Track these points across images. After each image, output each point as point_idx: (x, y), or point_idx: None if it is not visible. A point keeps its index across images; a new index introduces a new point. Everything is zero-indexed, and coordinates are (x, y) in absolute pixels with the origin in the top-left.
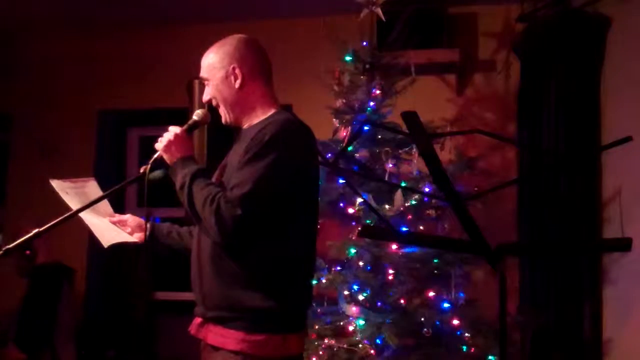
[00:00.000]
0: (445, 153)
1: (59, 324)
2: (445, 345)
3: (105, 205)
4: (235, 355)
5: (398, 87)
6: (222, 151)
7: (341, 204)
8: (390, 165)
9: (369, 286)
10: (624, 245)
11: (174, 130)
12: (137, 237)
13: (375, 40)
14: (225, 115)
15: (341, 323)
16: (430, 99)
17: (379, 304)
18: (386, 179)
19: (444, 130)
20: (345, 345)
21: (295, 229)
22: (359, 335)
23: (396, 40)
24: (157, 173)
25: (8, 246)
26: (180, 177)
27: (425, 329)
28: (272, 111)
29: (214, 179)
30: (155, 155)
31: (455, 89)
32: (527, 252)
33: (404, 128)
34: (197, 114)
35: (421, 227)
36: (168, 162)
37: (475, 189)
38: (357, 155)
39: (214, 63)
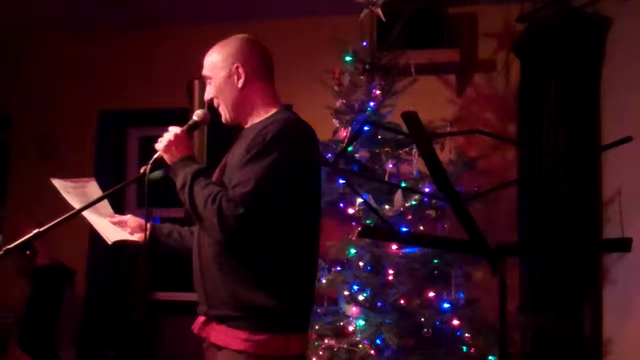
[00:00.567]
0: (445, 153)
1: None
2: (445, 345)
3: (105, 206)
4: (239, 354)
5: (398, 87)
6: (222, 151)
7: (341, 204)
8: (390, 166)
9: (369, 286)
10: (624, 245)
11: (174, 130)
12: (137, 237)
13: (375, 40)
14: (225, 114)
15: (341, 323)
16: (430, 99)
17: (379, 304)
18: (386, 179)
19: (444, 130)
20: (345, 346)
21: (298, 228)
22: (359, 335)
23: (396, 40)
24: (157, 173)
25: (8, 246)
26: (181, 177)
27: (425, 329)
28: (273, 110)
29: (213, 178)
30: (155, 156)
31: (455, 89)
32: (527, 252)
33: (404, 128)
34: (197, 114)
35: (421, 227)
36: (168, 162)
37: (475, 189)
38: (357, 155)
39: (217, 62)
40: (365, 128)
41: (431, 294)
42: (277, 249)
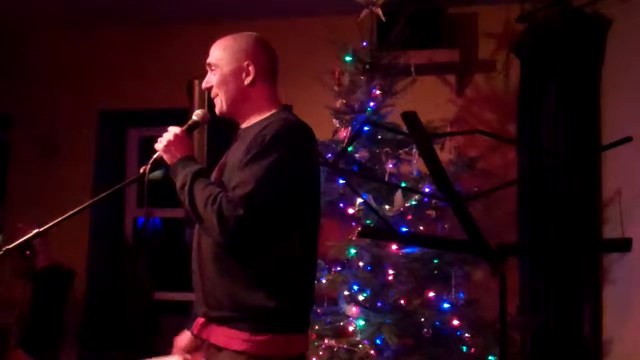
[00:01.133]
0: (445, 153)
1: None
2: (445, 345)
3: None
4: (240, 355)
5: (398, 87)
6: (222, 151)
7: (341, 204)
8: (390, 166)
9: (369, 286)
10: (624, 245)
11: (173, 130)
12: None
13: (375, 40)
14: (222, 106)
15: (341, 323)
16: (430, 99)
17: (379, 304)
18: (386, 179)
19: (444, 130)
20: (345, 346)
21: (298, 229)
22: (359, 335)
23: (396, 40)
24: (157, 173)
25: (8, 246)
26: (181, 177)
27: (425, 329)
28: (272, 111)
29: (212, 178)
30: (155, 156)
31: (455, 89)
32: (527, 252)
33: (404, 128)
34: (197, 114)
35: (421, 228)
36: (168, 162)
37: (475, 189)
38: (357, 155)
39: (227, 54)
40: (365, 128)
41: (431, 294)
42: (277, 249)
